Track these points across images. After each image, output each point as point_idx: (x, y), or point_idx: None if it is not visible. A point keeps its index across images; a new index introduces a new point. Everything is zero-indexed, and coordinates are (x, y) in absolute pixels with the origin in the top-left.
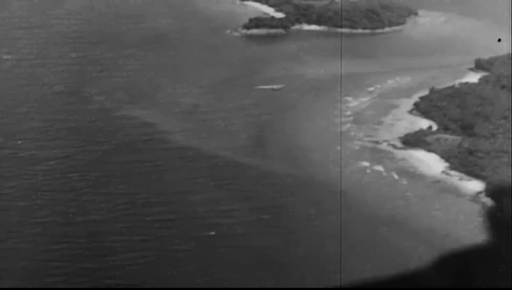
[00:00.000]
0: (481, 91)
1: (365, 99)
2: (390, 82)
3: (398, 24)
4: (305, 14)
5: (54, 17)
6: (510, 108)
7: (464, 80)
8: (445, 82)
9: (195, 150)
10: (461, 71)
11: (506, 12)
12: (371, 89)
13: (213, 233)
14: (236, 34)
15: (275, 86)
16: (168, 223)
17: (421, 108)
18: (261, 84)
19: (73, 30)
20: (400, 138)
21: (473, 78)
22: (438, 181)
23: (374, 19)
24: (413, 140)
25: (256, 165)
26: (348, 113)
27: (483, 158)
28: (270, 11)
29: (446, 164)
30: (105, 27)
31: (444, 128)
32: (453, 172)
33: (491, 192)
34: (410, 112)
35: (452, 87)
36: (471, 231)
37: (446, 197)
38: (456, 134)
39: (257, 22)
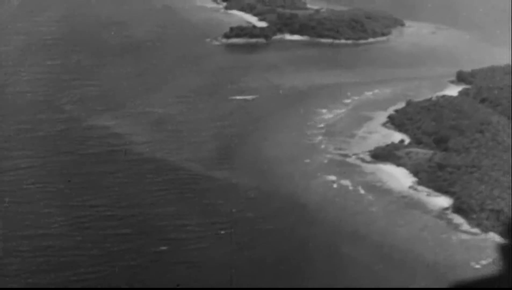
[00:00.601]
0: (458, 104)
1: (340, 111)
2: (368, 94)
3: (383, 34)
4: (288, 24)
5: (36, 24)
6: (486, 122)
7: (444, 92)
8: (424, 94)
9: (159, 162)
10: (442, 84)
11: (496, 26)
12: (347, 101)
13: (164, 247)
14: (216, 43)
15: (249, 97)
16: (123, 238)
17: (395, 121)
18: (237, 94)
19: (53, 37)
20: (370, 151)
21: (454, 90)
22: (405, 197)
23: (358, 29)
24: (383, 154)
25: (220, 177)
26: (321, 125)
27: (452, 173)
28: (253, 20)
29: (415, 179)
30: (86, 34)
31: (417, 142)
32: (421, 187)
33: (458, 208)
34: (384, 125)
35: (429, 100)
36: (433, 248)
37: (411, 213)
38: (429, 148)
39: (238, 31)
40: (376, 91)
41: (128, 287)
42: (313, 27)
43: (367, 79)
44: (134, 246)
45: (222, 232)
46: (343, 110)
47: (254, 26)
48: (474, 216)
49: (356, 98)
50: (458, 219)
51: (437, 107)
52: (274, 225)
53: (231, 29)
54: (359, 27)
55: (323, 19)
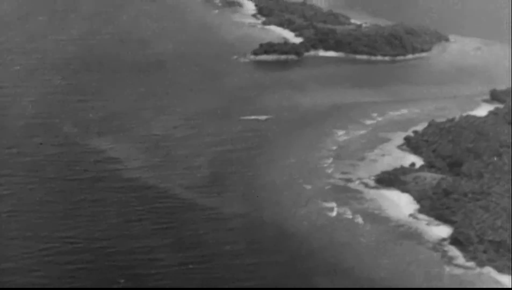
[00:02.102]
0: (480, 126)
1: (358, 132)
2: (393, 114)
3: (423, 50)
4: (323, 40)
5: (54, 42)
6: (507, 144)
7: (474, 112)
8: (453, 114)
9: (147, 190)
10: (474, 102)
11: None
12: (369, 121)
13: (122, 280)
14: (244, 60)
15: (261, 117)
16: (82, 273)
17: (411, 143)
18: (250, 115)
19: (68, 57)
20: (376, 176)
21: (485, 110)
22: (402, 226)
23: (396, 45)
24: (388, 179)
25: (207, 206)
26: (333, 147)
27: (458, 200)
28: (290, 35)
29: (417, 206)
30: (105, 53)
31: (429, 165)
32: (421, 216)
33: (455, 239)
34: (400, 147)
35: (452, 120)
36: (419, 284)
37: (404, 244)
38: (441, 173)
39: (268, 47)
40: (403, 110)
41: (128, 287)
42: (349, 43)
43: (396, 98)
44: (90, 283)
45: (191, 266)
46: (361, 131)
47: (286, 42)
48: (471, 248)
49: (380, 118)
50: (454, 251)
51: (458, 128)
52: (252, 259)
53: (261, 45)
54: (397, 43)
55: (361, 34)
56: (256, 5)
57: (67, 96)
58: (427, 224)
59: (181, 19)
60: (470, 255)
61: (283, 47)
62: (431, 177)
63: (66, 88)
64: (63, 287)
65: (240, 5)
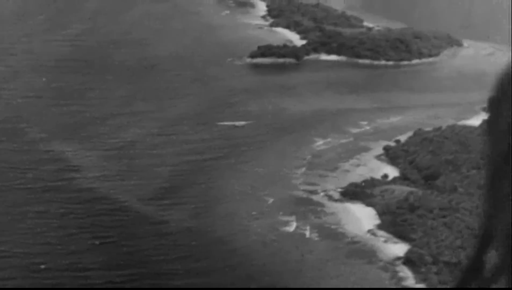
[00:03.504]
0: (465, 136)
1: (338, 140)
2: (382, 122)
3: (430, 55)
4: (325, 43)
5: (47, 42)
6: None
7: (469, 121)
8: (446, 123)
9: (97, 201)
10: (472, 111)
11: None
12: (354, 129)
13: None
14: (239, 63)
15: (238, 123)
16: None
17: (390, 153)
18: (229, 120)
19: (58, 57)
20: (343, 188)
21: (481, 119)
22: (356, 243)
23: (402, 49)
24: (354, 192)
25: (156, 219)
26: (308, 156)
27: (422, 216)
28: (295, 38)
29: (378, 222)
30: (98, 54)
31: (403, 177)
32: (381, 232)
33: (407, 259)
34: (378, 157)
35: (438, 129)
36: None
37: (352, 263)
38: (414, 185)
39: (265, 50)
40: (394, 118)
41: (128, 287)
42: (352, 47)
43: (390, 105)
44: None
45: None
46: (342, 140)
47: (285, 45)
48: (424, 269)
49: (367, 126)
50: (405, 272)
51: (440, 139)
52: (184, 279)
53: (259, 47)
54: (403, 47)
55: (366, 38)
56: (267, 6)
57: (46, 100)
58: (385, 241)
59: (187, 20)
60: (421, 277)
61: (282, 50)
62: (400, 190)
63: (48, 91)
64: (63, 287)
65: (252, 6)
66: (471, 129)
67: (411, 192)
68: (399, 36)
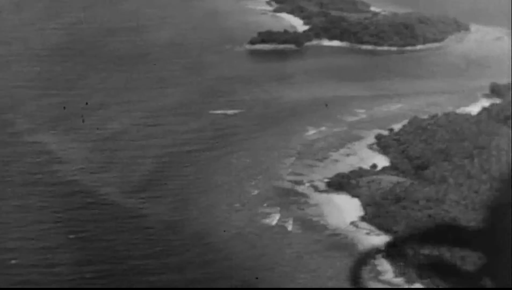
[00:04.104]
0: (460, 124)
1: (332, 129)
2: (379, 109)
3: (436, 41)
4: (328, 29)
5: (41, 31)
6: (481, 146)
7: (469, 108)
8: (444, 110)
9: (78, 194)
10: (473, 97)
11: None
12: (349, 117)
13: None
14: (238, 49)
15: (230, 112)
16: None
17: (382, 142)
18: (221, 108)
19: (52, 46)
20: (329, 178)
21: (480, 105)
22: (337, 235)
23: (406, 35)
24: (340, 182)
25: (135, 213)
26: (298, 146)
27: (407, 208)
28: (299, 23)
29: (362, 213)
30: (90, 42)
31: (393, 167)
32: (363, 224)
33: (387, 252)
34: (370, 146)
35: (434, 117)
36: None
37: (332, 256)
38: (403, 175)
39: (266, 36)
40: (392, 106)
41: (128, 287)
42: (355, 32)
43: (390, 92)
44: None
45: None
46: (336, 129)
47: (286, 31)
48: (402, 263)
49: (363, 114)
50: (385, 265)
51: (435, 127)
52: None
53: (259, 33)
54: (408, 32)
55: (370, 23)
56: None
57: (36, 89)
58: (367, 233)
59: (190, 7)
60: (400, 271)
61: (282, 36)
62: (388, 180)
63: (39, 80)
64: (64, 287)
65: None
66: (467, 117)
67: (398, 183)
68: (404, 21)
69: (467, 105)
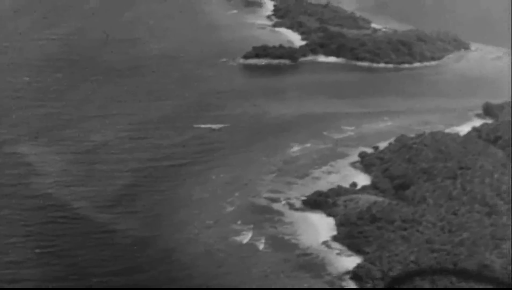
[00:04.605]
0: (445, 144)
1: (316, 146)
2: (367, 127)
3: (433, 59)
4: (324, 44)
5: (34, 41)
6: (466, 166)
7: (459, 127)
8: (434, 129)
9: (49, 208)
10: (465, 117)
11: None
12: (335, 134)
13: None
14: (231, 63)
15: (215, 126)
16: None
17: (365, 161)
18: (206, 123)
19: (43, 57)
20: (306, 196)
21: (472, 125)
22: (308, 254)
23: (404, 52)
24: (317, 201)
25: (104, 228)
26: (280, 162)
27: (381, 228)
28: (296, 39)
29: (335, 233)
30: (83, 53)
31: (373, 186)
32: (335, 244)
33: (355, 274)
34: (353, 164)
35: (420, 136)
36: None
37: (298, 277)
38: (383, 195)
39: (260, 51)
40: (380, 124)
41: (128, 287)
42: (352, 48)
43: (381, 110)
44: None
45: None
46: (321, 146)
47: (281, 46)
48: (369, 285)
49: (350, 132)
50: (351, 287)
51: (420, 146)
52: (119, 281)
53: (253, 48)
54: (405, 50)
55: (367, 40)
56: (274, 6)
57: (23, 100)
58: (338, 254)
59: (189, 19)
60: None
61: (277, 50)
62: (365, 200)
63: (27, 90)
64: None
65: (260, 5)
66: (454, 136)
67: (375, 203)
68: (402, 38)
69: (458, 124)
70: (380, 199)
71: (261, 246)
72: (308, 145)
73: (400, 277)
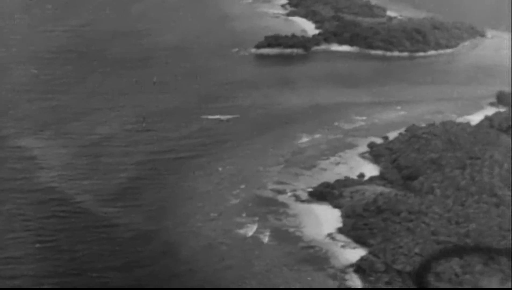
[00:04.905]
0: (455, 134)
1: (326, 136)
2: (378, 116)
3: (448, 47)
4: (338, 33)
5: (45, 33)
6: (476, 156)
7: (472, 116)
8: (446, 118)
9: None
10: (478, 105)
11: None
12: (346, 124)
13: None
14: (244, 53)
15: (223, 117)
16: None
17: (374, 151)
18: (215, 114)
19: (53, 49)
20: (313, 188)
21: (485, 113)
22: (311, 247)
23: (418, 40)
24: (323, 192)
25: (106, 222)
26: (288, 153)
27: (386, 220)
28: (310, 28)
29: (341, 225)
30: (95, 45)
31: (381, 177)
32: (340, 236)
33: (358, 266)
34: (362, 154)
35: (432, 125)
36: None
37: (301, 269)
38: (391, 186)
39: (272, 40)
40: (392, 114)
41: (128, 287)
42: (366, 37)
43: (394, 99)
44: None
45: None
46: (330, 136)
47: (293, 35)
48: (373, 278)
49: (362, 122)
50: (355, 280)
51: (430, 136)
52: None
53: (266, 38)
54: (420, 38)
55: (381, 28)
56: None
57: (30, 93)
58: (343, 246)
59: (201, 11)
60: (370, 286)
61: (290, 40)
62: (372, 191)
63: (35, 83)
64: (64, 287)
65: None
66: (465, 126)
67: (381, 194)
68: (417, 26)
69: (471, 113)
70: (387, 190)
71: (265, 239)
72: (318, 136)
73: (403, 270)
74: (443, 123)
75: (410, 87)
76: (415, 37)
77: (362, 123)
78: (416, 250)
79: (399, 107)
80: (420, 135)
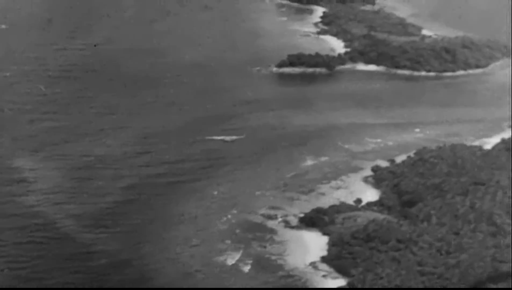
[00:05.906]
0: (462, 157)
1: (331, 159)
2: (390, 138)
3: (478, 67)
4: (365, 52)
5: (63, 50)
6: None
7: (490, 139)
8: (462, 141)
9: (32, 226)
10: (499, 128)
11: None
12: (356, 147)
13: None
14: (265, 72)
15: (228, 138)
16: None
17: (377, 175)
18: (221, 134)
19: (65, 68)
20: (304, 213)
21: (502, 136)
22: (292, 276)
23: (446, 60)
24: (314, 218)
25: (85, 242)
26: (288, 176)
27: (373, 249)
28: (339, 46)
29: (325, 253)
30: (109, 62)
31: (380, 203)
32: (322, 265)
33: None
34: (366, 178)
35: (440, 148)
36: None
37: None
38: (388, 212)
39: (294, 59)
40: (407, 135)
41: (127, 287)
42: (393, 56)
43: (411, 120)
44: None
45: None
46: (335, 159)
47: (317, 54)
48: None
49: (372, 144)
50: None
51: (436, 159)
52: None
53: (288, 56)
54: (449, 57)
55: (410, 47)
56: (323, 13)
57: (32, 112)
58: (324, 276)
59: (231, 28)
60: None
61: (313, 59)
62: (365, 217)
63: (40, 102)
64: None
65: (310, 12)
66: (474, 149)
67: (374, 221)
68: (447, 45)
69: (490, 136)
70: (381, 216)
71: (247, 268)
72: (324, 158)
73: None
74: (452, 146)
75: (431, 108)
76: (444, 56)
77: (374, 146)
78: (397, 281)
79: (417, 129)
80: (427, 158)
